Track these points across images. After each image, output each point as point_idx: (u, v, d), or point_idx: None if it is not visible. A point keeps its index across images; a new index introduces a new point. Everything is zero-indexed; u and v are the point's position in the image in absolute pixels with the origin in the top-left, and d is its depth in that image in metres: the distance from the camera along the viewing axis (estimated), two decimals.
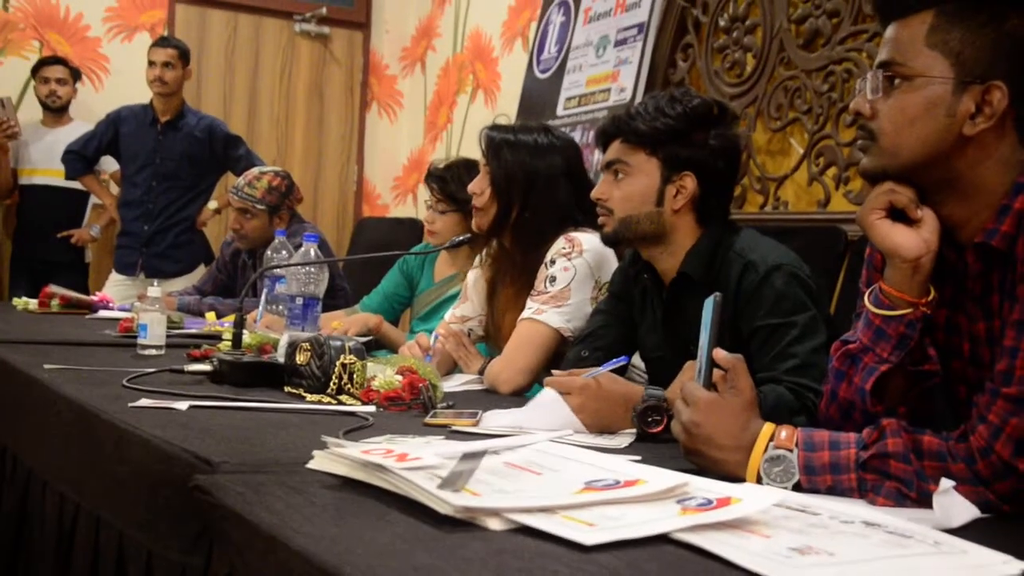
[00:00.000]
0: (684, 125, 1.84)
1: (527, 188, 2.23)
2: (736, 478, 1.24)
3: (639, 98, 3.46)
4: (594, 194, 1.92)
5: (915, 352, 1.31)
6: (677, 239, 1.87)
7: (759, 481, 1.24)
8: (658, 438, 1.52)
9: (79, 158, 4.55)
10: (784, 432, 1.25)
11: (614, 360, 1.69)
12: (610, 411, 1.59)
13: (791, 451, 1.23)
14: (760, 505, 1.00)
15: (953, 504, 1.12)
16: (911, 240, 1.27)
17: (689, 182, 1.84)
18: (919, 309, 1.29)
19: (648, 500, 1.01)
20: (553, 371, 1.73)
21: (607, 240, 1.96)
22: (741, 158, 1.99)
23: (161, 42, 4.59)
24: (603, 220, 1.92)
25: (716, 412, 1.28)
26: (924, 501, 1.16)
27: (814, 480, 1.22)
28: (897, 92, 1.28)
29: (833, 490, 1.21)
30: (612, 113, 1.96)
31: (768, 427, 1.27)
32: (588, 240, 2.17)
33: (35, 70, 4.81)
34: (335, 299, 3.24)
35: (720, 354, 1.31)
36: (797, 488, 1.21)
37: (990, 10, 1.24)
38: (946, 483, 1.13)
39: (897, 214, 1.29)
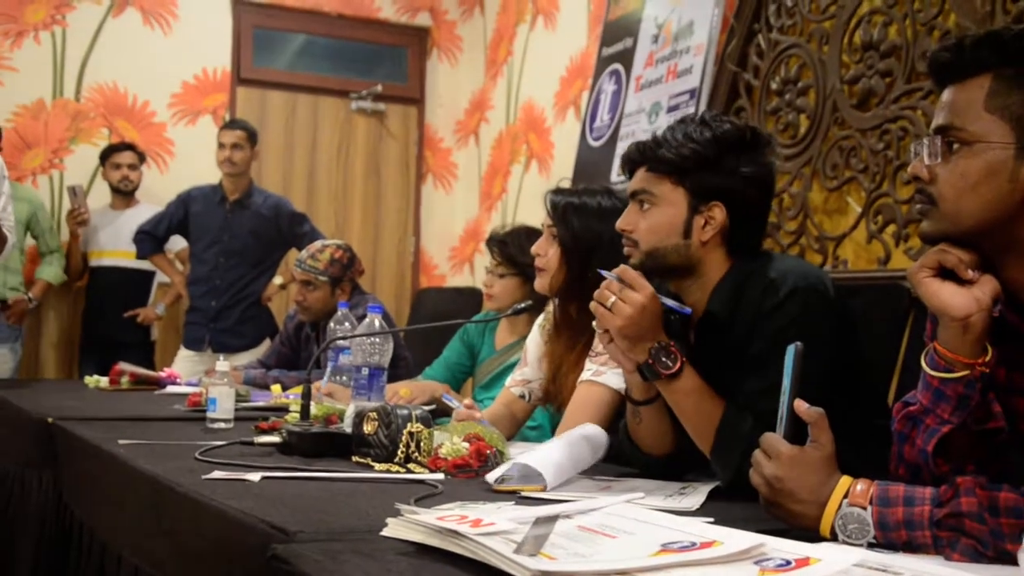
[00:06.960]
0: (713, 152, 1.73)
1: (593, 251, 2.24)
2: (813, 531, 1.23)
3: None
4: (619, 224, 1.83)
5: (978, 411, 1.28)
6: (706, 272, 1.77)
7: (833, 535, 1.23)
8: (730, 498, 1.51)
9: (150, 238, 4.68)
10: (860, 486, 1.24)
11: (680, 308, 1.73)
12: (649, 327, 1.64)
13: (865, 508, 1.22)
14: (840, 565, 0.99)
15: None
16: (959, 299, 1.25)
17: (718, 213, 1.74)
18: (976, 369, 1.26)
19: (726, 561, 1.00)
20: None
21: None
22: (775, 187, 1.88)
23: (230, 124, 4.70)
24: (628, 251, 1.83)
25: (799, 466, 1.27)
26: (1002, 558, 1.14)
27: (889, 536, 1.20)
28: (956, 157, 1.27)
29: (909, 546, 1.19)
30: (638, 140, 1.87)
31: (844, 481, 1.26)
32: None
33: (104, 156, 4.97)
34: (397, 369, 3.27)
35: (801, 407, 1.29)
36: (873, 544, 1.20)
37: None
38: None
39: (950, 273, 1.27)
